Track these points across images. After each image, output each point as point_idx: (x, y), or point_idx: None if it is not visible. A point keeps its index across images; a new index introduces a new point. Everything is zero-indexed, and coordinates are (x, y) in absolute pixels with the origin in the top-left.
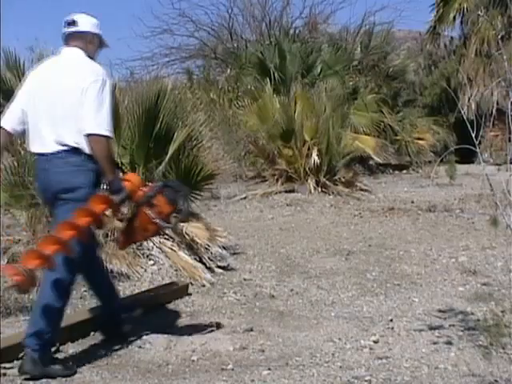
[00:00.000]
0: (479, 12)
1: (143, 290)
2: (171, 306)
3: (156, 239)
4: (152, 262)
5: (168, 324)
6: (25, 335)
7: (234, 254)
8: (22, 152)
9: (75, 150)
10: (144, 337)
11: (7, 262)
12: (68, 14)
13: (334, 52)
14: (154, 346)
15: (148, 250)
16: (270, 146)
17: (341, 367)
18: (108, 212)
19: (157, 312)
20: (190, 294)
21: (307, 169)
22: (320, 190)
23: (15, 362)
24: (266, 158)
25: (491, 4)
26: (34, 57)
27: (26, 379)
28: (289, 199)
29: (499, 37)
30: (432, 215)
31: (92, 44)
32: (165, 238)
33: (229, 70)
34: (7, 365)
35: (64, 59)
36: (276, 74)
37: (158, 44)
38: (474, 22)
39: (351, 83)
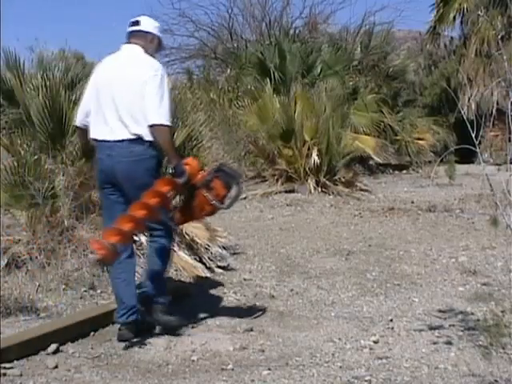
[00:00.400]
0: (479, 12)
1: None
2: (171, 305)
3: None
4: None
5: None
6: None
7: (234, 254)
8: (22, 152)
9: (138, 140)
10: (144, 337)
11: (7, 263)
12: (68, 15)
13: (334, 52)
14: (153, 346)
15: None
16: (270, 146)
17: (341, 367)
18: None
19: None
20: (190, 294)
21: (307, 169)
22: (320, 190)
23: (15, 361)
24: (266, 158)
25: (491, 4)
26: (34, 57)
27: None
28: (289, 199)
29: (499, 37)
30: (432, 215)
31: (152, 44)
32: None
33: (229, 70)
34: (7, 365)
35: (125, 54)
36: (276, 74)
37: None
38: (474, 22)
39: (351, 83)
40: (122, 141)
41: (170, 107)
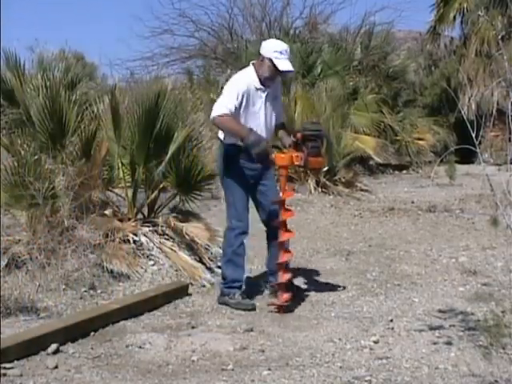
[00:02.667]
0: (479, 12)
1: (143, 290)
2: (171, 305)
3: (156, 239)
4: (152, 262)
5: (168, 324)
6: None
7: None
8: (22, 152)
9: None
10: (144, 337)
11: (7, 263)
12: (68, 15)
13: (335, 52)
14: (153, 346)
15: (148, 250)
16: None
17: (341, 367)
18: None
19: (157, 312)
20: (190, 294)
21: None
22: (320, 190)
23: (15, 362)
24: None
25: (491, 4)
26: (34, 57)
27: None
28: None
29: (499, 37)
30: (432, 215)
31: (262, 64)
32: (165, 239)
33: (229, 71)
34: (7, 365)
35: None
36: None
37: (158, 44)
38: (474, 22)
39: (351, 83)
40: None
41: (225, 100)
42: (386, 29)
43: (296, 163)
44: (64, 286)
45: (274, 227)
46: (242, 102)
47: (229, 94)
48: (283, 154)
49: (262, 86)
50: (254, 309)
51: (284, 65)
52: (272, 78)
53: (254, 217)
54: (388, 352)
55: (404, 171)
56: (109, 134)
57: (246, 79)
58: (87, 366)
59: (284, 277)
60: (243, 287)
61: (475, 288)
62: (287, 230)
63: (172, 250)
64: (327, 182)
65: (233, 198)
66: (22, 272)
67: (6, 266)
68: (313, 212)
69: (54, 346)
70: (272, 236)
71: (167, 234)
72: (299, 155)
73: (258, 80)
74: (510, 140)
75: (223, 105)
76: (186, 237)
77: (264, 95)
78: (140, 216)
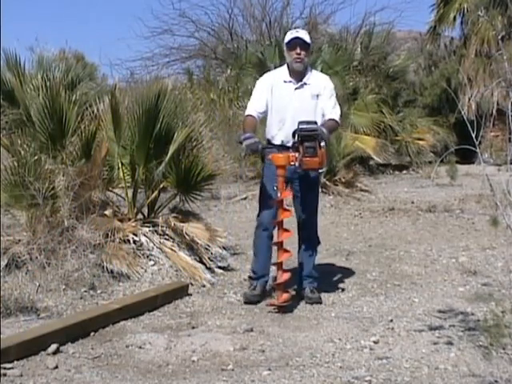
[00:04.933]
0: (479, 12)
1: (143, 290)
2: (171, 305)
3: (156, 239)
4: (152, 262)
5: (168, 324)
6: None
7: (234, 254)
8: (22, 152)
9: None
10: (144, 337)
11: (7, 263)
12: (69, 15)
13: (335, 52)
14: (153, 346)
15: (148, 250)
16: None
17: (341, 367)
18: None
19: (157, 312)
20: (190, 294)
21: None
22: (320, 190)
23: (15, 362)
24: None
25: (491, 4)
26: (35, 57)
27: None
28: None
29: (499, 37)
30: (432, 215)
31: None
32: (165, 239)
33: (229, 71)
34: (7, 365)
35: None
36: None
37: (158, 44)
38: (474, 23)
39: (351, 83)
40: None
41: (250, 102)
42: (386, 29)
43: (291, 164)
44: (64, 286)
45: (305, 233)
46: (267, 96)
47: (253, 95)
48: (281, 155)
49: (291, 79)
50: (254, 302)
51: (288, 36)
52: (296, 68)
53: (254, 216)
54: (388, 352)
55: (404, 171)
56: (109, 134)
57: (270, 74)
58: (87, 366)
59: (283, 277)
60: (263, 280)
61: (475, 288)
62: (285, 230)
63: (172, 250)
64: (327, 182)
65: (261, 195)
66: (22, 272)
67: (6, 266)
68: None
69: (53, 346)
70: (303, 242)
71: (167, 234)
72: (295, 156)
73: (287, 74)
74: (510, 140)
75: (248, 107)
76: (186, 237)
77: (293, 88)
78: (140, 216)
